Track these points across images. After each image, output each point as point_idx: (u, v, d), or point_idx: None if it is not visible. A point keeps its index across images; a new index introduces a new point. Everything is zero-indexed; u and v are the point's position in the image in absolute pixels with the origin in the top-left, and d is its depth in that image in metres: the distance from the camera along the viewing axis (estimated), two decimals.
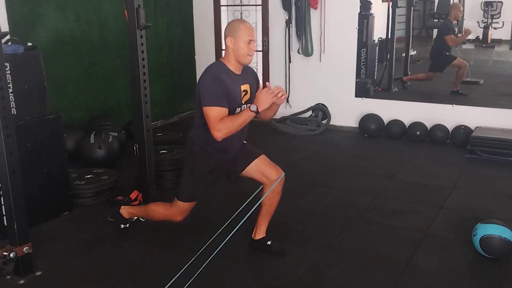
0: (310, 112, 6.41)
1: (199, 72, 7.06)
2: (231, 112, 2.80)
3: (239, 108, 2.87)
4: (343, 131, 6.23)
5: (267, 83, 2.86)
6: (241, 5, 6.70)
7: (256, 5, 6.55)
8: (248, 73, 2.98)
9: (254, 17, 6.63)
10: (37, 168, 3.47)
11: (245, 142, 3.10)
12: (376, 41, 6.88)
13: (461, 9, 6.76)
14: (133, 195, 3.95)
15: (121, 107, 5.84)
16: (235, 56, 2.82)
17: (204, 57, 7.01)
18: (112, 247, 3.29)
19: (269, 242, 3.17)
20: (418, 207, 3.92)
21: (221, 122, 2.70)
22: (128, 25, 3.46)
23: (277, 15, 6.35)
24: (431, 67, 6.93)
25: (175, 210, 3.06)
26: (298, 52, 6.30)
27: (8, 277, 2.87)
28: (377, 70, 6.92)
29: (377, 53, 6.91)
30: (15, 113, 3.27)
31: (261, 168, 3.01)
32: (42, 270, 2.98)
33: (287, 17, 6.25)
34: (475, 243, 3.12)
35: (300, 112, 6.44)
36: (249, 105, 2.82)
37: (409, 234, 3.48)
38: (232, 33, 2.80)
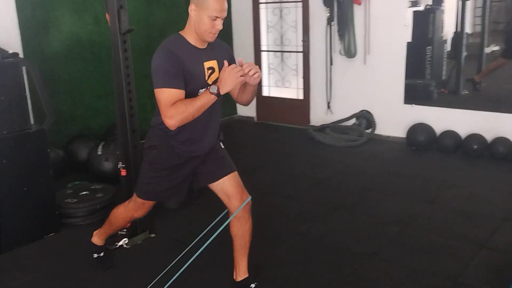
0: (353, 120, 5.77)
1: None
2: (194, 95, 2.30)
3: (205, 89, 2.35)
4: (389, 141, 5.52)
5: (239, 59, 2.31)
6: (280, 2, 6.19)
7: (296, 1, 6.00)
8: (217, 47, 2.44)
9: (294, 15, 6.10)
10: (15, 187, 3.20)
11: (222, 145, 2.61)
12: (443, 38, 6.09)
13: None
14: None
15: (146, 113, 5.54)
16: (195, 29, 2.30)
17: (242, 57, 6.57)
18: (76, 280, 2.92)
19: (253, 285, 2.66)
20: (454, 243, 3.23)
21: (173, 108, 2.21)
22: (110, 29, 3.11)
23: (318, 13, 5.77)
24: (504, 53, 5.83)
25: (134, 205, 2.71)
26: (340, 53, 5.67)
27: None
28: (446, 70, 6.11)
29: (445, 50, 6.11)
30: None
31: (227, 189, 2.51)
32: None
33: (328, 15, 5.65)
34: None
35: (342, 119, 5.81)
36: (209, 86, 2.31)
37: (434, 281, 2.82)
38: (198, 0, 2.27)
